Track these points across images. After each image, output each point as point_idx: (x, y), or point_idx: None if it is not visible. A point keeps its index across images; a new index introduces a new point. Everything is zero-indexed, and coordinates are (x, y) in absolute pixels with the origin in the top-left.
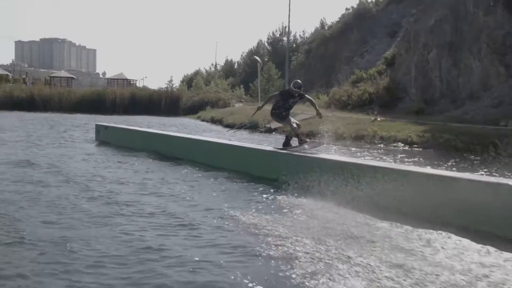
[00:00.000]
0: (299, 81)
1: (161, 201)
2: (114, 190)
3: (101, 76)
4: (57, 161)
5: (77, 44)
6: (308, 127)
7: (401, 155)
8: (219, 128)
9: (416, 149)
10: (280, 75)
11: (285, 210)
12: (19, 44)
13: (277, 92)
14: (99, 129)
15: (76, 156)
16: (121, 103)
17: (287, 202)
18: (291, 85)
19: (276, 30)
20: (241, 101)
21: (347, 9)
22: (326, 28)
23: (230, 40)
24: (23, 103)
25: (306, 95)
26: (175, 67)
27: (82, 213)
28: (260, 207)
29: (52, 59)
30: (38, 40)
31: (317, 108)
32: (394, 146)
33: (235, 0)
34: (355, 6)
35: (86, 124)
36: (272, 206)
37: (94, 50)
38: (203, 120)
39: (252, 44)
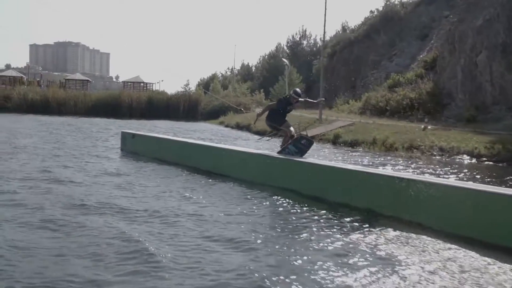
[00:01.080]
0: (298, 89)
1: (242, 254)
2: (166, 230)
3: (114, 79)
4: (82, 179)
5: (90, 47)
6: (350, 135)
7: (484, 172)
8: (247, 135)
9: (486, 163)
10: (301, 80)
11: (413, 265)
12: (34, 48)
13: (274, 102)
14: (125, 137)
15: (103, 171)
16: (138, 107)
17: (405, 250)
18: (291, 92)
19: (296, 34)
20: (242, 110)
21: (371, 11)
22: (348, 31)
23: (246, 44)
24: (37, 106)
25: (300, 99)
26: (191, 70)
27: (140, 275)
28: (371, 261)
29: (66, 63)
30: (52, 43)
31: (312, 100)
32: (459, 159)
33: (251, 4)
34: (380, 8)
35: (105, 129)
36: (392, 260)
37: (108, 54)
38: (227, 126)
39: (268, 48)
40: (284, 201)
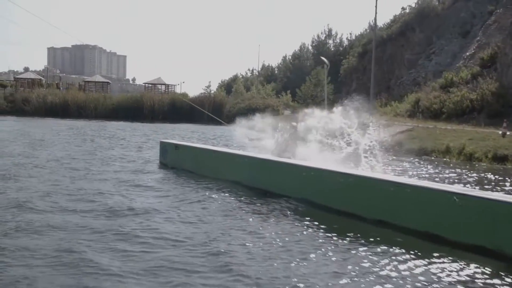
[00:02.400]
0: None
1: None
2: None
3: (131, 82)
4: (126, 212)
5: (107, 50)
6: (415, 142)
7: None
8: None
9: None
10: (329, 80)
11: None
12: (52, 51)
13: None
14: (166, 148)
15: (150, 199)
16: (160, 110)
17: None
18: None
19: (321, 33)
20: (225, 123)
21: (403, 8)
22: (377, 29)
23: (265, 45)
24: (56, 109)
25: None
26: (211, 72)
27: None
28: None
29: (83, 66)
30: (70, 46)
31: None
32: None
33: (270, 5)
34: (413, 5)
35: (132, 135)
36: None
37: (124, 57)
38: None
39: (289, 49)
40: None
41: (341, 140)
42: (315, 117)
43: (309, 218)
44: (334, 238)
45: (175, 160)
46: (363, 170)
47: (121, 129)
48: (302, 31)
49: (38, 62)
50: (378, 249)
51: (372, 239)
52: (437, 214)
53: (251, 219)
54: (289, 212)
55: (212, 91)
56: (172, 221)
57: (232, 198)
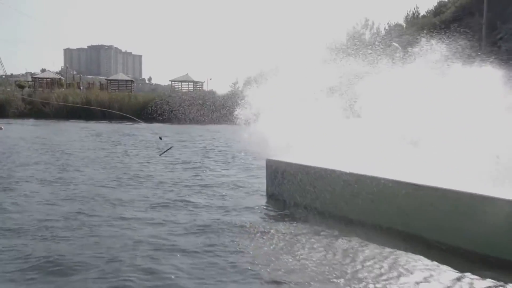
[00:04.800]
0: None
1: None
2: None
3: (147, 81)
4: None
5: (123, 50)
6: None
7: None
8: None
9: None
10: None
11: None
12: (68, 52)
13: None
14: (283, 172)
15: None
16: (189, 110)
17: None
18: None
19: (356, 24)
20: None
21: None
22: (420, 17)
23: (291, 38)
24: (79, 111)
25: None
26: (236, 68)
27: None
28: None
29: (99, 66)
30: (86, 47)
31: None
32: None
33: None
34: None
35: (177, 141)
36: None
37: (140, 56)
38: None
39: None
40: None
41: None
42: None
43: None
44: None
45: (302, 195)
46: None
47: (159, 133)
48: (330, 24)
49: (54, 64)
50: None
51: None
52: None
53: None
54: None
55: (239, 88)
56: None
57: None
